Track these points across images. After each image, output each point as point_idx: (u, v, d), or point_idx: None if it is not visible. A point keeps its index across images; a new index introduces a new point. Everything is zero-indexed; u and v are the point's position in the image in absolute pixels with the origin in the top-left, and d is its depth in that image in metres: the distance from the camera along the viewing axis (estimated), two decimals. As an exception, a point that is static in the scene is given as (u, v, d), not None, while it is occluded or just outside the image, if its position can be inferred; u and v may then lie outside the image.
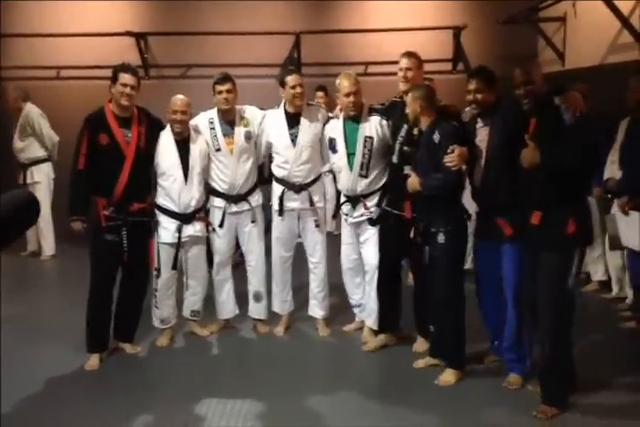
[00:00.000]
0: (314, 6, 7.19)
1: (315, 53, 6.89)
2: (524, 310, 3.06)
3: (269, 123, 3.84)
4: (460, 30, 6.94)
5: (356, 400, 3.14)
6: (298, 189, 3.80)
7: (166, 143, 3.60)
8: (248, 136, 3.80)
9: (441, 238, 3.22)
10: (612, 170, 4.15)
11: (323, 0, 7.21)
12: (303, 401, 3.13)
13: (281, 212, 3.83)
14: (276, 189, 3.86)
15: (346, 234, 3.86)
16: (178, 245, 3.67)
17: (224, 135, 3.76)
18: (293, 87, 3.69)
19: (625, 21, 4.94)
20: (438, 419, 2.96)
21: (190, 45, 6.98)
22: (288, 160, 3.76)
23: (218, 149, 3.76)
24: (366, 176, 3.65)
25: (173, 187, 3.60)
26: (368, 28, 7.00)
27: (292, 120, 3.77)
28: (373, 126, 3.63)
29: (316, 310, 4.01)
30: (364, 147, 3.61)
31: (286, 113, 3.79)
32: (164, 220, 3.65)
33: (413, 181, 3.27)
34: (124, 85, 3.38)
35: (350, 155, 3.65)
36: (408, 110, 3.32)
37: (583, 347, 3.03)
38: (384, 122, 3.63)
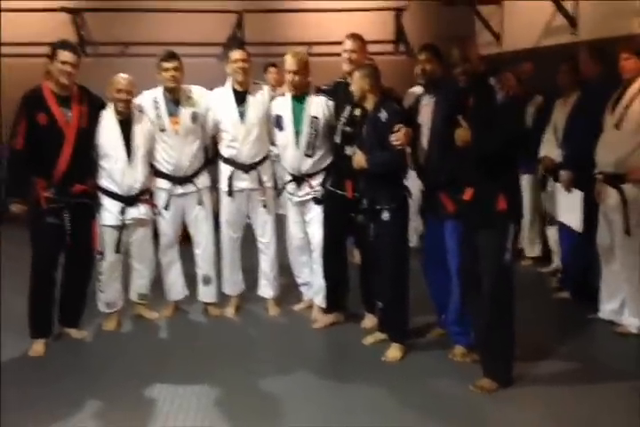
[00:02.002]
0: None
1: (258, 33, 6.83)
2: (466, 283, 3.16)
3: (216, 101, 3.78)
4: (401, 12, 7.01)
5: (307, 378, 3.19)
6: (247, 168, 3.77)
7: (108, 123, 3.50)
8: (194, 116, 3.74)
9: (385, 216, 3.29)
10: (548, 148, 4.32)
11: None
12: (255, 381, 3.15)
13: (230, 192, 3.80)
14: (224, 169, 3.82)
15: (291, 213, 3.88)
16: (121, 228, 3.60)
17: (169, 115, 3.69)
18: (235, 61, 3.67)
19: (558, 5, 5.10)
20: (387, 392, 3.03)
21: (129, 23, 6.81)
22: (237, 138, 3.73)
23: (163, 129, 3.68)
24: (311, 156, 3.66)
25: (116, 168, 3.51)
26: (310, 8, 6.98)
27: (240, 97, 3.73)
28: (320, 106, 3.64)
29: (267, 290, 4.02)
30: (311, 126, 3.62)
31: (234, 91, 3.75)
32: (106, 202, 3.56)
33: (360, 159, 3.32)
34: (64, 63, 3.26)
35: (297, 133, 3.65)
36: (354, 89, 3.34)
37: (520, 320, 3.16)
38: (330, 102, 3.65)
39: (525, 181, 4.66)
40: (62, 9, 6.57)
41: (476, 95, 2.95)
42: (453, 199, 3.12)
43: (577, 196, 3.91)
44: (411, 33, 7.09)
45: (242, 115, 3.71)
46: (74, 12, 6.66)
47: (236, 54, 3.68)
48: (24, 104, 3.30)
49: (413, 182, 3.60)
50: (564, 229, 4.16)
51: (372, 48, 6.37)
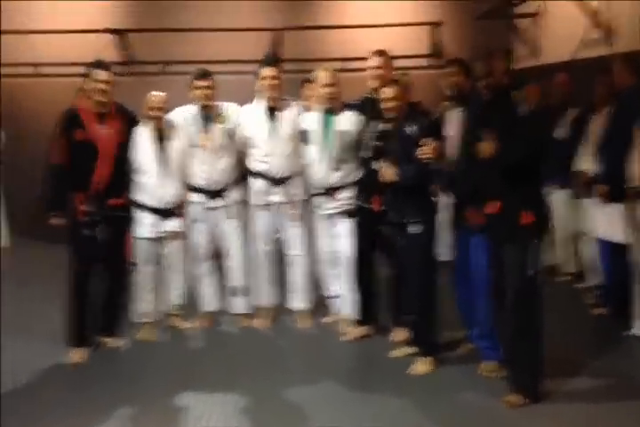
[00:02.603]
0: (293, 3, 7.24)
1: (294, 49, 6.95)
2: (493, 298, 3.14)
3: (248, 117, 3.87)
4: (436, 26, 7.04)
5: (335, 389, 3.21)
6: (278, 182, 3.84)
7: (143, 139, 3.64)
8: (226, 133, 3.84)
9: (413, 229, 3.30)
10: (583, 162, 4.25)
11: None
12: (284, 391, 3.18)
13: (260, 206, 3.87)
14: (255, 183, 3.90)
15: (320, 226, 3.92)
16: (155, 241, 3.70)
17: (202, 131, 3.80)
18: (264, 79, 3.76)
19: (594, 18, 5.05)
20: (414, 406, 3.02)
21: (171, 42, 6.98)
22: (267, 153, 3.80)
23: (195, 145, 3.79)
24: (339, 169, 3.71)
25: (150, 182, 3.63)
26: (346, 25, 7.07)
27: (270, 114, 3.81)
28: (348, 121, 3.70)
29: (297, 302, 4.07)
30: (338, 141, 3.68)
31: (265, 106, 3.84)
32: (141, 215, 3.68)
33: (387, 172, 3.34)
34: (98, 81, 3.41)
35: (324, 148, 3.70)
36: (383, 104, 3.36)
37: (553, 335, 3.12)
38: (358, 117, 3.70)
39: (559, 196, 4.59)
40: (106, 30, 6.82)
41: (499, 108, 2.95)
42: (479, 213, 3.11)
43: (616, 208, 3.84)
44: (447, 47, 7.10)
45: (272, 131, 3.79)
46: (118, 33, 6.90)
47: (266, 71, 3.77)
48: (62, 121, 3.46)
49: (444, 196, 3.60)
50: (605, 245, 4.08)
51: (407, 62, 6.54)
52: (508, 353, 3.08)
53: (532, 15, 6.43)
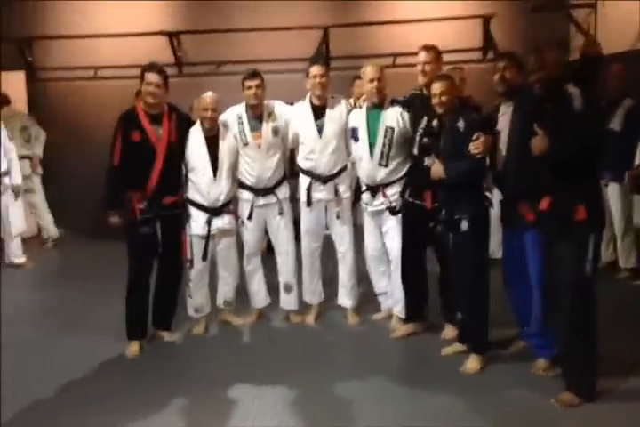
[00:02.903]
0: (342, 2, 7.24)
1: (343, 47, 6.96)
2: (547, 295, 3.08)
3: (295, 115, 3.92)
4: (488, 19, 6.91)
5: (384, 386, 3.22)
6: (325, 179, 3.88)
7: (196, 139, 3.73)
8: (275, 131, 3.89)
9: (464, 226, 3.26)
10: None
11: None
12: (332, 387, 3.22)
13: (308, 203, 3.91)
14: (303, 180, 3.95)
15: (368, 223, 3.92)
16: (207, 237, 3.79)
17: (252, 130, 3.86)
18: (314, 77, 3.80)
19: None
20: (465, 404, 3.00)
21: (221, 43, 7.13)
22: (314, 151, 3.85)
23: (246, 144, 3.85)
24: (386, 165, 3.70)
25: (203, 181, 3.72)
26: (395, 20, 7.02)
27: (318, 112, 3.85)
28: (395, 117, 3.68)
29: (345, 299, 4.09)
30: (385, 137, 3.67)
31: (312, 105, 3.88)
32: (194, 213, 3.78)
33: (437, 169, 3.32)
34: (149, 84, 3.51)
35: (371, 144, 3.71)
36: (433, 99, 3.33)
37: (609, 333, 3.03)
38: (405, 113, 3.68)
39: (613, 190, 4.46)
40: (160, 33, 7.01)
41: (552, 103, 2.88)
42: (533, 209, 3.05)
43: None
44: (500, 40, 6.95)
45: (319, 128, 3.83)
46: (171, 35, 7.07)
47: (314, 70, 3.81)
48: (119, 123, 3.58)
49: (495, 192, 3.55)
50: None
51: (459, 56, 6.45)
52: (562, 351, 3.02)
53: (590, 5, 6.23)
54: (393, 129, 3.67)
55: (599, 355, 2.95)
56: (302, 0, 7.17)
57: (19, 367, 3.52)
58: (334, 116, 3.85)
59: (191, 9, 7.29)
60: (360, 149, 3.77)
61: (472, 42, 7.00)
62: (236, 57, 6.92)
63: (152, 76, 3.53)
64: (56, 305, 4.66)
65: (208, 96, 3.72)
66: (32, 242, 6.62)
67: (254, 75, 3.83)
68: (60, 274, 5.69)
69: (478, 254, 3.33)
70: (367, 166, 3.75)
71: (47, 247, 6.67)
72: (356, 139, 3.79)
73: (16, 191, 5.84)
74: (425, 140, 3.53)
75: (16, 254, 5.84)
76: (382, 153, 3.69)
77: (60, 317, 4.39)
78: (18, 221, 5.90)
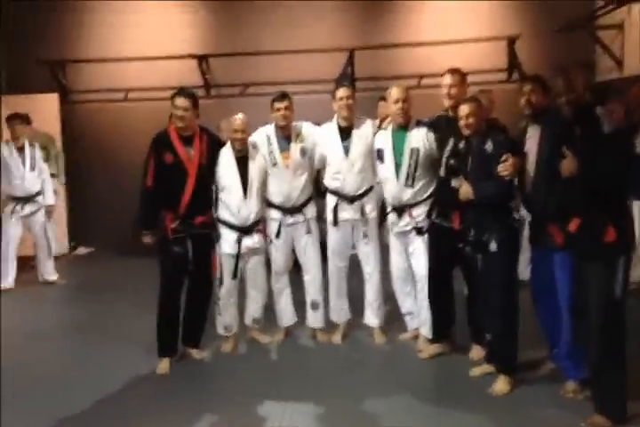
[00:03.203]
0: (366, 22, 7.35)
1: (368, 68, 7.06)
2: (577, 317, 3.06)
3: (322, 136, 4.00)
4: (514, 40, 6.96)
5: (411, 405, 3.23)
6: (351, 199, 3.93)
7: (227, 160, 3.81)
8: (303, 151, 3.97)
9: (493, 247, 3.28)
10: None
11: (374, 15, 7.37)
12: (359, 404, 3.24)
13: (335, 222, 3.96)
14: (330, 200, 4.00)
15: (394, 243, 3.95)
16: (237, 256, 3.85)
17: (281, 150, 3.94)
18: (341, 99, 3.87)
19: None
20: (492, 424, 3.00)
21: (248, 65, 7.28)
22: (341, 171, 3.91)
23: (275, 164, 3.93)
24: (412, 186, 3.74)
25: (233, 201, 3.79)
26: (420, 42, 7.11)
27: (345, 133, 3.92)
28: (420, 138, 3.73)
29: (372, 318, 4.11)
30: (410, 157, 3.71)
31: (339, 126, 3.95)
32: (224, 232, 3.85)
33: (466, 190, 3.34)
34: (177, 108, 3.61)
35: (397, 165, 3.75)
36: (460, 121, 3.38)
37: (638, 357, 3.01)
38: (430, 134, 3.73)
39: (639, 209, 4.44)
40: (190, 56, 7.19)
41: (582, 126, 2.91)
42: (562, 230, 3.06)
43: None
44: (525, 61, 7.00)
45: (346, 149, 3.90)
46: (199, 58, 7.25)
47: (341, 92, 3.88)
48: (153, 145, 3.68)
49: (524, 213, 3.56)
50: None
51: (485, 77, 6.49)
52: (593, 373, 3.00)
53: (616, 26, 6.25)
54: (419, 150, 3.71)
55: (630, 377, 2.92)
56: (328, 21, 7.31)
57: (48, 382, 3.60)
58: (361, 136, 3.92)
59: (219, 32, 7.48)
60: (386, 169, 3.82)
61: (497, 63, 7.04)
62: (262, 79, 7.07)
63: (180, 101, 3.62)
64: (86, 320, 4.75)
65: (238, 118, 3.81)
66: (61, 260, 6.75)
67: (283, 97, 3.92)
68: (90, 290, 5.79)
69: (507, 275, 3.34)
70: (393, 187, 3.79)
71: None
72: (382, 160, 3.84)
73: (49, 211, 5.99)
74: (452, 161, 3.56)
75: (50, 273, 5.97)
76: (408, 174, 3.73)
77: (91, 332, 4.48)
78: (53, 240, 6.04)
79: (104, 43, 7.48)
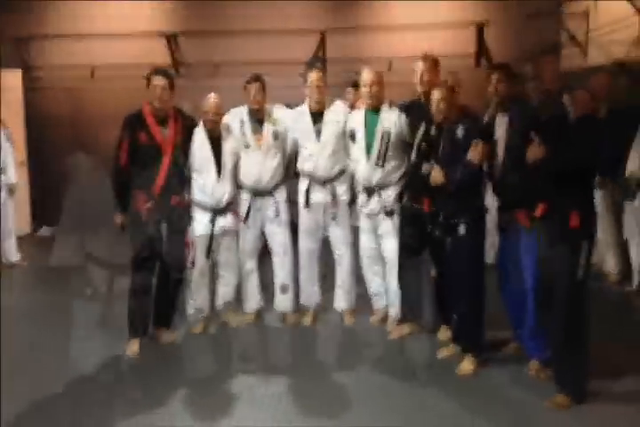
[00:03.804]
0: (338, 5, 7.32)
1: (340, 51, 7.04)
2: (541, 299, 3.17)
3: (294, 119, 4.00)
4: (482, 26, 7.01)
5: (378, 384, 3.31)
6: (323, 182, 3.95)
7: (200, 141, 3.79)
8: (276, 134, 3.98)
9: (462, 230, 3.35)
10: (633, 165, 4.23)
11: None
12: (328, 384, 3.32)
13: (307, 204, 3.99)
14: (302, 182, 4.03)
15: (363, 224, 3.99)
16: (211, 237, 3.84)
17: (253, 133, 3.93)
18: (312, 82, 3.89)
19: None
20: (458, 403, 3.09)
21: (218, 44, 7.18)
22: (313, 154, 3.93)
23: (247, 146, 3.93)
24: (382, 167, 3.78)
25: (207, 181, 3.78)
26: (392, 25, 7.11)
27: (316, 116, 3.93)
28: (392, 119, 3.77)
29: (342, 301, 4.16)
30: (382, 138, 3.76)
31: (310, 109, 3.96)
32: (198, 213, 3.83)
33: (437, 175, 3.40)
34: (155, 87, 3.57)
35: (369, 145, 3.79)
36: (432, 107, 3.42)
37: (598, 338, 3.15)
38: (402, 116, 3.78)
39: (601, 197, 4.58)
40: (158, 33, 7.06)
41: (549, 112, 2.98)
42: (528, 215, 3.15)
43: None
44: (495, 46, 7.07)
45: (318, 132, 3.91)
46: (168, 36, 7.13)
47: (312, 75, 3.90)
48: (126, 124, 3.63)
49: (491, 198, 3.65)
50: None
51: (454, 62, 6.52)
52: (555, 354, 3.11)
53: (582, 14, 6.33)
54: (390, 131, 3.75)
55: (590, 357, 3.05)
56: (300, 1, 7.24)
57: (17, 366, 3.55)
58: (332, 119, 3.93)
59: (188, 10, 7.34)
60: (357, 150, 3.85)
61: (467, 48, 7.09)
62: (233, 59, 6.98)
63: (158, 80, 3.59)
64: (54, 303, 4.68)
65: (211, 99, 3.78)
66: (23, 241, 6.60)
67: (255, 79, 3.91)
68: (54, 272, 5.71)
69: (474, 258, 3.43)
70: (364, 168, 3.82)
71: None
72: (354, 140, 3.87)
73: (11, 190, 5.84)
74: (423, 146, 3.61)
75: (12, 253, 5.84)
76: (379, 155, 3.77)
77: (57, 314, 4.44)
78: (12, 219, 5.90)
79: (70, 18, 7.27)
